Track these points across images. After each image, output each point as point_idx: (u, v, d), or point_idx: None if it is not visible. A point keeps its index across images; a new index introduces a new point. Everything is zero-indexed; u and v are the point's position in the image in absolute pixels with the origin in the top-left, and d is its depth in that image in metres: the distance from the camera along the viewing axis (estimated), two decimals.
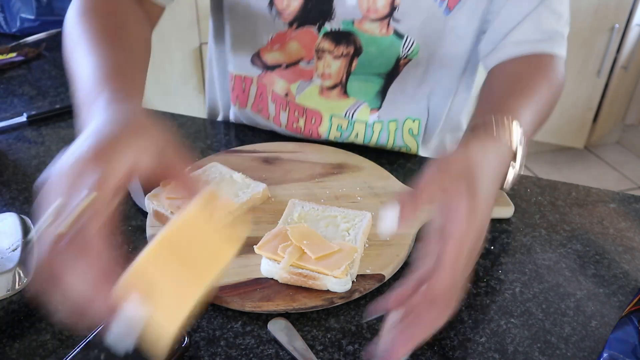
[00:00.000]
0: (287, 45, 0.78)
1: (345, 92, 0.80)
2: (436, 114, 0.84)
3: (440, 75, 0.80)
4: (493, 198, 0.48)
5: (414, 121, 0.83)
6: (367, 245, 0.61)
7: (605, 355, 0.49)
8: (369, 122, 0.81)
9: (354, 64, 0.78)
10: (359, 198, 0.69)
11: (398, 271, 0.60)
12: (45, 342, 0.52)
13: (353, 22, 0.74)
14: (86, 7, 0.61)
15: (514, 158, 0.52)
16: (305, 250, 0.57)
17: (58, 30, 1.33)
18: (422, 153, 0.87)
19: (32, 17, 1.32)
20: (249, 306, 0.55)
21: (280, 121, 0.85)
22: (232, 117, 0.93)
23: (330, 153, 0.78)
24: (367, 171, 0.75)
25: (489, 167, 0.48)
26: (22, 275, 0.55)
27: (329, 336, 0.53)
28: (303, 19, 0.75)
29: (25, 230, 0.59)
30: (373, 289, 0.58)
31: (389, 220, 0.44)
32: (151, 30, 0.70)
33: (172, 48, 1.99)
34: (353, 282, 0.56)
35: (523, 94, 0.62)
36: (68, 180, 0.38)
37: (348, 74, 0.78)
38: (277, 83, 0.82)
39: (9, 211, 0.62)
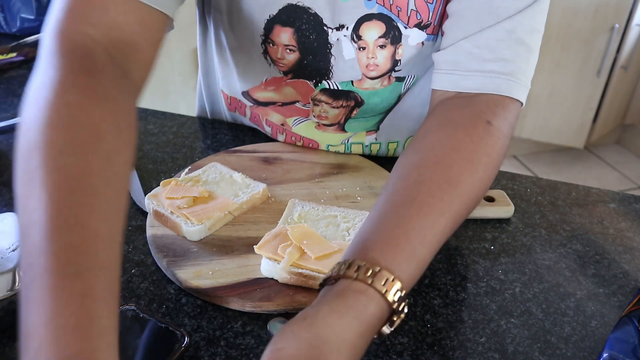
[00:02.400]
0: (282, 89, 0.75)
1: (343, 129, 0.78)
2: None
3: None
4: None
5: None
6: None
7: (605, 355, 0.49)
8: (365, 144, 0.80)
9: (354, 112, 0.75)
10: (359, 198, 0.69)
11: None
12: None
13: (352, 82, 0.70)
14: (49, 117, 0.47)
15: (392, 315, 0.42)
16: (305, 250, 0.57)
17: None
18: None
19: (32, 17, 1.32)
20: (249, 306, 0.55)
21: (277, 139, 0.83)
22: (229, 119, 0.91)
23: (330, 153, 0.78)
24: (367, 171, 0.75)
25: (341, 345, 0.38)
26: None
27: None
28: (299, 73, 0.71)
29: None
30: None
31: None
32: (133, 109, 0.53)
33: (172, 48, 1.99)
34: None
35: (428, 205, 0.48)
36: None
37: (347, 119, 0.76)
38: (272, 115, 0.79)
39: (9, 211, 0.62)
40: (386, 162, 0.79)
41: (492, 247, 0.65)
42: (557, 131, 2.59)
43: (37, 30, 1.32)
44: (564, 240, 0.67)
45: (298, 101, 0.75)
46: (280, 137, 0.82)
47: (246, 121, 0.87)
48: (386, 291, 0.41)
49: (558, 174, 2.64)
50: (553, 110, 2.53)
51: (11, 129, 0.87)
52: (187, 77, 2.08)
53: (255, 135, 0.86)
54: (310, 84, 0.72)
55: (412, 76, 0.72)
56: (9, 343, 0.52)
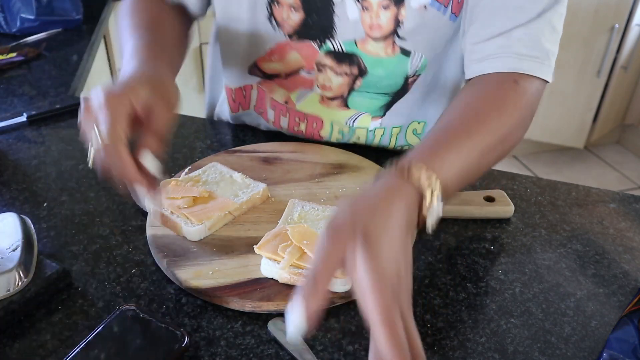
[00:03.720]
0: (287, 56, 0.76)
1: (345, 105, 0.78)
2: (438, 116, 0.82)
3: (450, 79, 0.78)
4: (400, 238, 0.44)
5: (419, 123, 0.82)
6: None
7: (605, 355, 0.49)
8: (370, 128, 0.81)
9: (357, 83, 0.75)
10: None
11: None
12: (45, 342, 0.52)
13: (356, 43, 0.72)
14: (132, 7, 0.73)
15: (427, 204, 0.48)
16: (305, 250, 0.57)
17: (58, 30, 1.33)
18: None
19: (32, 17, 1.32)
20: (249, 306, 0.55)
21: (280, 125, 0.84)
22: (232, 121, 0.92)
23: (330, 153, 0.78)
24: (367, 171, 0.75)
25: (390, 210, 0.44)
26: (22, 275, 0.55)
27: (329, 336, 0.53)
28: (303, 33, 0.73)
29: (25, 230, 0.59)
30: None
31: (294, 322, 0.39)
32: (188, 27, 0.79)
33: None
34: None
35: (471, 133, 0.56)
36: (85, 121, 0.54)
37: (350, 90, 0.77)
38: (277, 91, 0.81)
39: (9, 211, 0.62)
40: (386, 162, 0.79)
41: (492, 247, 0.65)
42: (557, 131, 2.59)
43: (37, 30, 1.32)
44: (564, 240, 0.67)
45: (302, 68, 0.76)
46: (284, 122, 0.82)
47: (248, 119, 0.88)
48: (428, 186, 0.48)
49: (558, 174, 2.64)
50: (553, 110, 2.53)
51: (11, 129, 0.87)
52: (187, 77, 2.07)
53: (255, 135, 0.86)
54: (315, 45, 0.73)
55: (420, 56, 0.72)
56: (8, 343, 0.52)
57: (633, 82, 2.59)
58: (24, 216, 0.61)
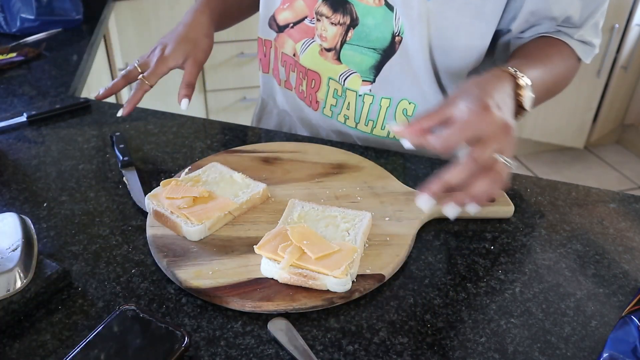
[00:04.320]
0: (295, 4, 0.84)
1: (338, 59, 0.83)
2: (432, 105, 0.83)
3: (447, 68, 0.80)
4: (509, 105, 0.60)
5: (410, 103, 0.83)
6: (367, 245, 0.61)
7: (605, 355, 0.49)
8: (359, 92, 0.83)
9: (349, 34, 0.80)
10: (359, 198, 0.69)
11: (398, 271, 0.60)
12: (45, 342, 0.52)
13: None
14: None
15: (522, 84, 0.63)
16: (305, 250, 0.57)
17: (58, 30, 1.33)
18: None
19: (32, 17, 1.32)
20: (249, 306, 0.55)
21: (291, 84, 0.91)
22: (262, 94, 1.01)
23: (330, 153, 0.79)
24: (367, 171, 0.75)
25: (498, 82, 0.61)
26: (22, 275, 0.55)
27: (329, 336, 0.53)
28: None
29: (25, 230, 0.59)
30: (373, 289, 0.58)
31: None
32: None
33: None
34: (353, 282, 0.56)
35: (539, 59, 0.72)
36: (148, 58, 0.84)
37: (343, 42, 0.81)
38: (287, 43, 0.87)
39: (9, 211, 0.62)
40: (386, 162, 0.80)
41: (492, 247, 0.65)
42: (557, 131, 2.59)
43: (37, 30, 1.32)
44: (564, 240, 0.67)
45: (306, 17, 0.84)
46: (292, 78, 0.90)
47: (269, 81, 0.96)
48: (522, 78, 0.64)
49: (558, 174, 2.64)
50: (553, 110, 2.53)
51: (11, 129, 0.87)
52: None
53: (255, 135, 0.86)
54: None
55: (399, 17, 0.76)
56: (8, 343, 0.52)
57: (633, 82, 2.59)
58: (24, 216, 0.61)
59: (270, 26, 0.89)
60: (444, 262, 0.62)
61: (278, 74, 0.92)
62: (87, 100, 0.94)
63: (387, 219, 0.66)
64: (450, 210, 0.57)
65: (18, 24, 1.32)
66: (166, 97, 2.14)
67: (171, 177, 0.73)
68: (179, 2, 1.92)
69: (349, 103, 0.85)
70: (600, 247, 0.66)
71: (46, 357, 0.51)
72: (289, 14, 0.86)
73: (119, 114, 0.80)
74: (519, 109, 0.64)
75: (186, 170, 0.73)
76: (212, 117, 2.23)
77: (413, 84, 0.81)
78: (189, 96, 0.81)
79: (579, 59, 0.78)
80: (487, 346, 0.53)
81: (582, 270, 0.62)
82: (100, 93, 0.82)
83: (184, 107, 0.81)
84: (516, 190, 0.75)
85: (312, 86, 0.87)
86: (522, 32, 0.78)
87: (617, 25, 2.26)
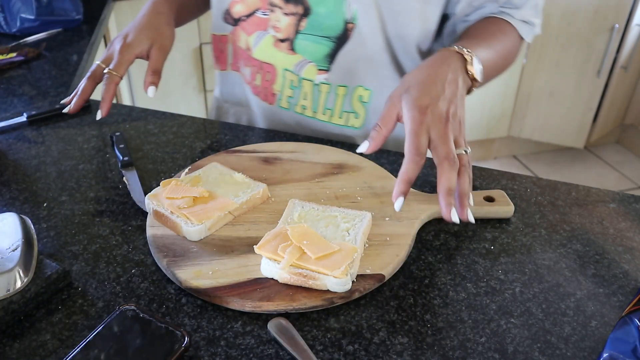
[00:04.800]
0: None
1: (292, 49, 0.83)
2: (385, 92, 0.86)
3: (402, 58, 0.83)
4: (458, 83, 0.64)
5: (365, 90, 0.85)
6: (367, 245, 0.61)
7: (605, 355, 0.49)
8: (315, 82, 0.84)
9: (302, 24, 0.81)
10: (359, 198, 0.69)
11: (398, 271, 0.60)
12: (45, 342, 0.52)
13: None
14: None
15: (470, 59, 0.66)
16: (305, 250, 0.57)
17: (58, 30, 1.33)
18: (369, 125, 0.88)
19: (32, 17, 1.32)
20: (249, 306, 0.55)
21: (246, 78, 0.91)
22: (216, 93, 1.01)
23: (330, 153, 0.79)
24: (367, 171, 0.75)
25: (445, 63, 0.65)
26: (22, 275, 0.55)
27: (329, 336, 0.53)
28: None
29: (25, 230, 0.59)
30: (373, 289, 0.58)
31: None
32: None
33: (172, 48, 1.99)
34: (353, 282, 0.56)
35: (484, 37, 0.75)
36: (108, 51, 0.80)
37: (296, 32, 0.82)
38: (241, 37, 0.88)
39: (9, 211, 0.62)
40: (386, 162, 0.80)
41: (492, 247, 0.65)
42: (557, 131, 2.59)
43: (37, 30, 1.32)
44: (564, 240, 0.67)
45: (259, 9, 0.84)
46: (247, 72, 0.90)
47: (229, 78, 0.96)
48: (468, 53, 0.67)
49: (558, 174, 2.64)
50: (553, 110, 2.53)
51: (11, 129, 0.87)
52: (187, 77, 2.08)
53: (255, 135, 0.86)
54: None
55: (349, 3, 0.78)
56: (8, 343, 0.52)
57: (633, 82, 2.59)
58: (24, 216, 0.61)
59: (226, 20, 0.90)
60: (444, 262, 0.62)
61: (239, 67, 0.93)
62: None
63: (387, 219, 0.66)
64: (453, 216, 0.58)
65: (18, 24, 1.32)
66: (166, 97, 2.15)
67: (171, 177, 0.73)
68: None
69: (306, 93, 0.86)
70: (600, 247, 0.66)
71: (46, 357, 0.51)
72: (242, 7, 0.86)
73: (98, 116, 0.76)
74: (472, 82, 0.68)
75: (186, 170, 0.73)
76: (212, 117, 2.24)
77: (368, 70, 0.83)
78: (155, 84, 0.79)
79: (522, 38, 0.82)
80: (487, 346, 0.53)
81: (582, 270, 0.62)
82: (72, 106, 0.78)
83: (151, 95, 0.78)
84: (516, 190, 0.75)
85: (268, 79, 0.87)
86: (467, 15, 0.81)
87: (617, 25, 2.26)
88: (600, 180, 2.60)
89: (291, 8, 0.80)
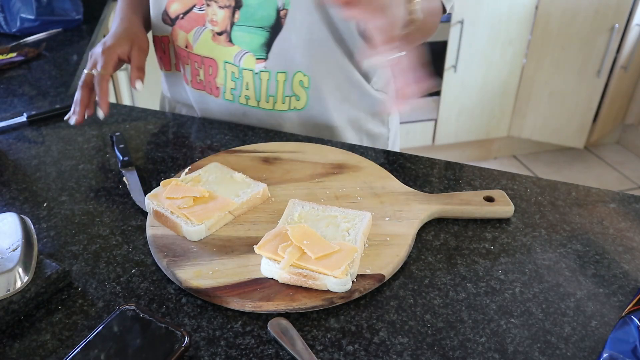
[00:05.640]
0: None
1: (230, 41, 0.85)
2: (331, 73, 0.88)
3: (331, 35, 0.84)
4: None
5: (305, 75, 0.87)
6: (367, 245, 0.61)
7: (605, 355, 0.49)
8: (255, 71, 0.86)
9: (236, 16, 0.83)
10: (359, 198, 0.69)
11: (398, 271, 0.60)
12: (45, 342, 0.52)
13: None
14: None
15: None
16: (305, 250, 0.57)
17: (58, 30, 1.33)
18: (313, 104, 0.89)
19: (32, 17, 1.32)
20: (249, 306, 0.55)
21: (186, 77, 0.93)
22: (166, 93, 1.02)
23: (330, 153, 0.79)
24: (367, 171, 0.75)
25: None
26: (22, 275, 0.55)
27: (329, 336, 0.53)
28: None
29: (26, 230, 0.59)
30: (373, 289, 0.58)
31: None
32: None
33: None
34: (353, 282, 0.56)
35: None
36: (91, 59, 0.83)
37: (232, 24, 0.84)
38: (179, 36, 0.89)
39: (9, 211, 0.62)
40: (386, 162, 0.80)
41: (492, 247, 0.65)
42: (557, 131, 2.59)
43: (37, 30, 1.32)
44: (564, 240, 0.67)
45: (195, 5, 0.86)
46: (188, 71, 0.92)
47: (173, 78, 0.97)
48: None
49: (558, 174, 2.64)
50: (553, 110, 2.53)
51: (11, 129, 0.87)
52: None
53: (255, 135, 0.86)
54: None
55: None
56: (8, 343, 0.52)
57: (633, 82, 2.59)
58: (24, 216, 0.61)
59: (165, 21, 0.91)
60: (444, 262, 0.62)
61: (183, 69, 0.94)
62: None
63: (387, 219, 0.66)
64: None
65: (18, 24, 1.32)
66: None
67: (171, 177, 0.73)
68: None
69: (247, 83, 0.87)
70: (600, 247, 0.66)
71: (46, 357, 0.51)
72: (178, 5, 0.88)
73: (101, 116, 0.79)
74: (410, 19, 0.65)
75: (186, 170, 0.73)
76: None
77: (304, 55, 0.85)
78: (141, 78, 0.83)
79: (444, 9, 0.81)
80: (487, 346, 0.53)
81: (582, 270, 0.62)
82: (77, 117, 0.80)
83: (140, 88, 0.82)
84: (516, 190, 0.75)
85: (210, 73, 0.89)
86: None
87: (617, 25, 2.26)
88: (600, 180, 2.60)
89: (225, 1, 0.83)
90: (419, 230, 0.66)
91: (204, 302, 0.56)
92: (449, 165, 0.80)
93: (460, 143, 2.63)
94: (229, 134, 0.87)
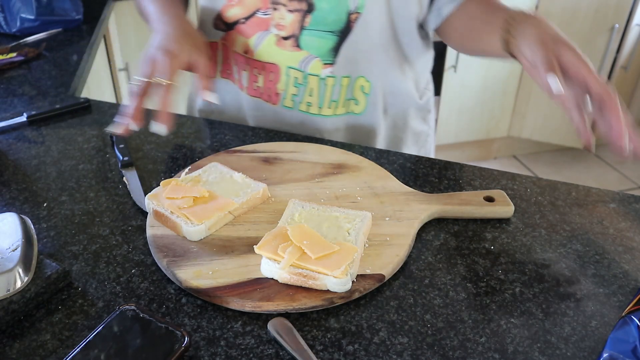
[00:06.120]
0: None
1: (298, 45, 0.84)
2: (388, 79, 0.88)
3: (393, 38, 0.84)
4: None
5: (367, 81, 0.87)
6: (367, 245, 0.61)
7: (605, 355, 0.49)
8: (321, 76, 0.85)
9: (307, 20, 0.81)
10: (359, 198, 0.69)
11: (398, 271, 0.60)
12: (45, 342, 0.52)
13: None
14: None
15: None
16: (305, 250, 0.57)
17: (58, 30, 1.33)
18: (369, 109, 0.89)
19: (32, 17, 1.32)
20: (249, 306, 0.55)
21: (242, 83, 0.90)
22: (200, 104, 0.98)
23: (330, 153, 0.79)
24: (367, 171, 0.75)
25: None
26: (22, 275, 0.55)
27: (329, 336, 0.53)
28: None
29: (26, 230, 0.59)
30: (373, 289, 0.58)
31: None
32: None
33: None
34: (353, 282, 0.56)
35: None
36: (148, 65, 0.72)
37: (301, 28, 0.82)
38: (238, 41, 0.87)
39: (9, 211, 0.62)
40: (386, 162, 0.80)
41: (492, 247, 0.65)
42: (557, 131, 2.59)
43: (37, 30, 1.32)
44: (564, 240, 0.67)
45: (259, 9, 0.83)
46: (244, 77, 0.89)
47: (218, 84, 0.94)
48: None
49: (558, 174, 2.64)
50: (553, 110, 2.53)
51: (11, 129, 0.87)
52: (187, 77, 2.07)
53: (256, 135, 0.86)
54: None
55: None
56: (9, 343, 0.52)
57: (633, 82, 2.59)
58: (24, 216, 0.61)
59: (217, 26, 0.89)
60: (444, 262, 0.62)
61: (232, 73, 0.92)
62: (87, 100, 0.94)
63: (387, 219, 0.66)
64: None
65: (18, 24, 1.32)
66: None
67: (171, 177, 0.73)
68: None
69: (312, 89, 0.86)
70: (600, 247, 0.66)
71: (46, 357, 0.51)
72: (239, 10, 0.85)
73: (163, 131, 0.70)
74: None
75: (186, 170, 0.73)
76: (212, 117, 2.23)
77: (370, 59, 0.85)
78: (213, 90, 0.77)
79: None
80: (487, 346, 0.53)
81: (582, 270, 0.62)
82: (126, 128, 0.70)
83: (216, 101, 0.80)
84: (516, 190, 0.75)
85: (271, 79, 0.87)
86: None
87: (617, 25, 2.26)
88: (600, 180, 2.59)
89: (295, 5, 0.81)
90: (419, 230, 0.66)
91: (204, 302, 0.56)
92: (449, 165, 0.80)
93: (460, 143, 2.63)
94: (229, 134, 0.87)
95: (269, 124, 0.92)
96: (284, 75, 0.86)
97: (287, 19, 0.82)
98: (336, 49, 0.83)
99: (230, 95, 0.94)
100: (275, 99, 0.89)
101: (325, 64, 0.84)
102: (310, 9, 0.80)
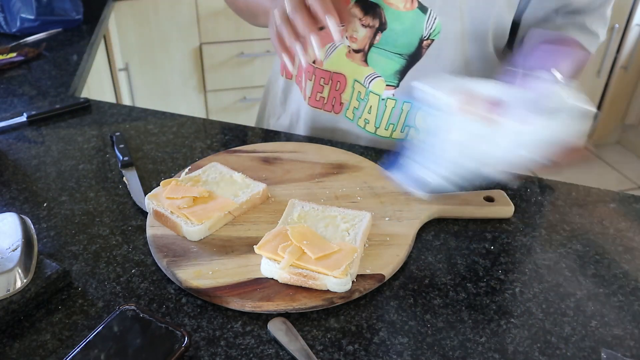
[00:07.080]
0: None
1: (365, 60, 0.83)
2: None
3: (465, 65, 0.81)
4: None
5: None
6: (367, 245, 0.61)
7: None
8: (382, 96, 0.83)
9: (377, 37, 0.80)
10: (359, 198, 0.69)
11: (398, 271, 0.60)
12: (45, 342, 0.52)
13: None
14: None
15: None
16: (305, 250, 0.57)
17: (58, 30, 1.33)
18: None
19: (32, 17, 1.32)
20: (249, 306, 0.55)
21: (305, 92, 0.89)
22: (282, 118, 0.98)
23: (330, 153, 0.79)
24: (367, 171, 0.75)
25: None
26: (22, 275, 0.55)
27: (329, 336, 0.53)
28: None
29: (25, 230, 0.59)
30: (373, 289, 0.58)
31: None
32: None
33: (172, 48, 1.99)
34: (353, 282, 0.56)
35: (568, 54, 0.73)
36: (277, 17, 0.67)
37: (370, 44, 0.81)
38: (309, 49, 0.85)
39: (9, 211, 0.62)
40: (386, 162, 0.80)
41: (492, 247, 0.65)
42: None
43: (37, 30, 1.32)
44: (564, 240, 0.67)
45: None
46: (309, 87, 0.88)
47: (294, 105, 0.93)
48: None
49: (558, 174, 2.64)
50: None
51: (11, 129, 0.87)
52: (187, 77, 2.08)
53: (256, 135, 0.86)
54: None
55: (434, 18, 0.76)
56: (8, 343, 0.52)
57: (633, 82, 2.59)
58: (24, 216, 0.61)
59: None
60: (444, 262, 0.62)
61: (301, 81, 0.91)
62: (87, 100, 0.94)
63: (387, 219, 0.66)
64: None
65: (18, 24, 1.32)
66: (166, 97, 2.15)
67: (171, 177, 0.73)
68: (179, 1, 1.92)
69: (370, 107, 0.85)
70: (600, 247, 0.66)
71: (46, 357, 0.51)
72: None
73: (337, 38, 0.64)
74: None
75: (186, 170, 0.73)
76: (212, 117, 2.23)
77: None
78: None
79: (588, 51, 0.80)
80: (487, 346, 0.53)
81: (582, 270, 0.62)
82: (313, 54, 0.66)
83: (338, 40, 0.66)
84: (516, 190, 0.75)
85: (337, 88, 0.86)
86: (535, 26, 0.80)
87: (617, 25, 2.26)
88: (601, 180, 2.59)
89: (369, 20, 0.80)
90: (419, 230, 0.66)
91: (204, 302, 0.56)
92: None
93: None
94: (229, 134, 0.87)
95: (325, 135, 0.90)
96: (350, 87, 0.86)
97: (360, 32, 0.81)
98: (402, 72, 0.82)
99: (295, 105, 0.93)
100: (339, 109, 0.88)
101: (388, 85, 0.83)
102: (382, 27, 0.79)
